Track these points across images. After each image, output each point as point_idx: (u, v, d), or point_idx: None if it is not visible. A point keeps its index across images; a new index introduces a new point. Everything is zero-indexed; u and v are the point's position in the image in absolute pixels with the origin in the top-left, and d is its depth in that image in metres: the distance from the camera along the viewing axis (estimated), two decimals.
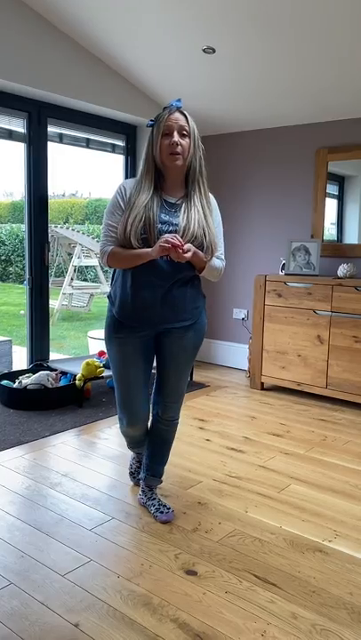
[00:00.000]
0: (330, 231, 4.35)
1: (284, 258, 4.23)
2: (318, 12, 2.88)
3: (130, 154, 4.63)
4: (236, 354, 4.86)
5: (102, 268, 8.09)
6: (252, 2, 2.90)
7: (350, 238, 4.24)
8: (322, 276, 4.03)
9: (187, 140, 1.99)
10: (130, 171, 4.66)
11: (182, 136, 1.98)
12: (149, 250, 1.92)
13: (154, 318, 2.04)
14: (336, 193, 4.34)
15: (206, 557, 1.97)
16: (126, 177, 4.67)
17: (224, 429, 3.30)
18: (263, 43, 3.26)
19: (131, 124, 4.53)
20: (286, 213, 4.49)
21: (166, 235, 1.89)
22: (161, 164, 2.00)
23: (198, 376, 4.52)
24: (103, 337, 2.15)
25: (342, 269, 3.90)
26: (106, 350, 2.16)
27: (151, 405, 2.26)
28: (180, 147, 1.96)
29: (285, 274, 4.16)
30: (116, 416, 3.45)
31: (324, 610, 1.71)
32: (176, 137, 1.95)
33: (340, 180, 4.31)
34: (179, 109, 2.00)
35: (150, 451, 2.31)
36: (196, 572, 1.88)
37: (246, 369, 4.61)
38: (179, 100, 2.04)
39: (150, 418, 2.27)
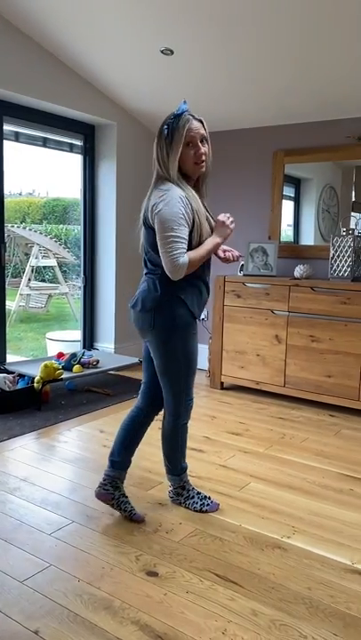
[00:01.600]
0: (287, 232, 4.43)
1: (243, 259, 4.28)
2: (276, 15, 2.93)
3: (88, 154, 4.59)
4: None
5: (61, 269, 8.00)
6: (210, 3, 2.92)
7: (306, 239, 4.32)
8: (279, 277, 4.10)
9: (206, 146, 2.10)
10: (88, 171, 4.62)
11: (203, 144, 2.08)
12: (212, 239, 2.11)
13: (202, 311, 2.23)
14: (293, 195, 4.42)
15: (167, 558, 1.98)
16: (85, 177, 4.63)
17: None
18: (221, 44, 3.30)
19: (89, 123, 4.50)
20: (244, 215, 4.54)
21: (220, 216, 2.12)
22: (185, 171, 2.08)
23: None
24: (170, 335, 2.11)
25: (299, 270, 3.98)
26: (175, 348, 2.12)
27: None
28: (204, 155, 2.08)
29: (244, 275, 4.21)
30: (75, 418, 3.42)
31: (283, 605, 1.74)
32: (202, 148, 2.07)
33: (296, 183, 4.40)
34: (194, 117, 2.07)
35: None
36: (157, 573, 1.89)
37: (206, 369, 4.64)
38: (185, 103, 2.09)
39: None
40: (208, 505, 2.32)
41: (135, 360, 4.32)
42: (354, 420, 3.58)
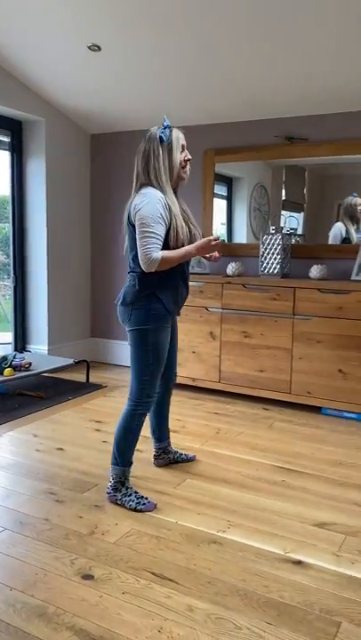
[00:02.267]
0: (220, 231, 4.48)
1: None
2: (202, 12, 2.95)
3: (16, 150, 4.46)
4: None
5: None
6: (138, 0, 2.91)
7: (239, 238, 4.40)
8: (213, 275, 4.15)
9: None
10: (16, 168, 4.50)
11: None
12: (191, 248, 2.29)
13: (182, 306, 2.49)
14: (225, 194, 4.48)
15: (103, 560, 1.96)
16: (13, 174, 4.50)
17: None
18: (149, 41, 3.29)
19: (16, 119, 4.37)
20: None
21: (211, 237, 2.31)
22: (176, 175, 2.36)
23: (95, 377, 4.47)
24: (143, 327, 2.32)
25: (231, 268, 4.04)
26: (145, 340, 2.32)
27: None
28: (190, 161, 2.41)
29: None
30: (7, 423, 3.32)
31: (218, 599, 1.77)
32: (188, 153, 2.39)
33: (228, 182, 4.46)
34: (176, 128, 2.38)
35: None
36: (92, 576, 1.86)
37: None
38: (167, 118, 2.42)
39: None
40: (145, 504, 2.34)
41: (70, 361, 4.25)
42: (286, 412, 3.68)
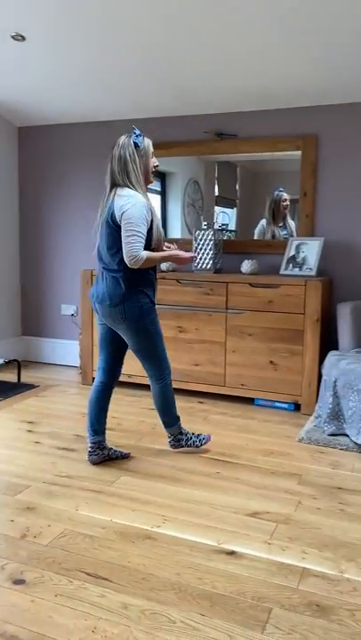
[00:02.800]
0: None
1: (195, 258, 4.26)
2: (135, 5, 2.92)
3: None
4: (66, 351, 4.79)
5: None
6: None
7: (174, 233, 4.40)
8: None
9: None
10: None
11: None
12: (170, 256, 2.66)
13: None
14: (160, 189, 4.47)
15: (35, 563, 1.92)
16: None
17: (54, 429, 3.23)
18: (75, 31, 3.22)
19: None
20: None
21: (192, 254, 2.77)
22: (146, 179, 2.65)
23: (26, 377, 4.37)
24: (141, 321, 2.60)
25: (165, 263, 4.04)
26: (147, 328, 2.62)
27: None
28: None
29: None
30: None
31: (152, 594, 1.77)
32: (156, 160, 2.70)
33: (162, 177, 4.45)
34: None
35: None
36: (24, 581, 1.82)
37: (78, 365, 4.57)
38: (135, 129, 2.64)
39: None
40: (204, 438, 2.91)
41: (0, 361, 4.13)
42: (221, 404, 3.74)
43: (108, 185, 2.59)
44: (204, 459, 2.84)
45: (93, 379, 4.19)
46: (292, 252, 3.81)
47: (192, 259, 2.75)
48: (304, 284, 3.51)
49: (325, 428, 3.16)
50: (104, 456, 2.77)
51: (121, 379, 4.05)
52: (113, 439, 3.07)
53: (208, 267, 3.91)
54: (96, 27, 3.11)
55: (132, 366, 4.02)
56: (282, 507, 2.35)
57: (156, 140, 4.26)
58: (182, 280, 3.81)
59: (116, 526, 2.17)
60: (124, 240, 2.47)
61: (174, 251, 2.72)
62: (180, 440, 2.89)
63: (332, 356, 3.34)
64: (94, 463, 2.75)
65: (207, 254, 3.91)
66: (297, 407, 3.66)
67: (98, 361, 2.84)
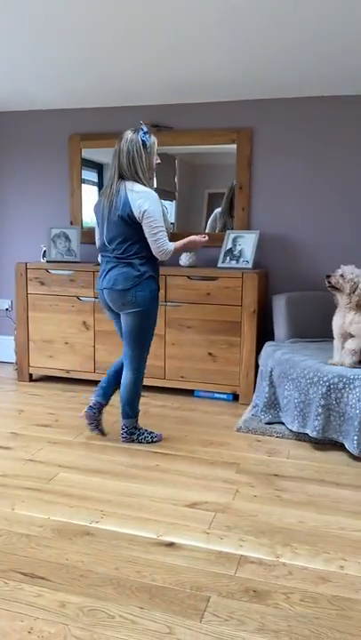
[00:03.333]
0: (92, 218, 4.40)
1: (45, 245, 4.17)
2: None
3: None
4: (0, 346, 4.65)
5: None
6: None
7: None
8: (84, 263, 4.08)
9: None
10: None
11: None
12: (186, 242, 2.86)
13: None
14: (96, 180, 4.40)
15: None
16: None
17: None
18: (5, 13, 3.11)
19: None
20: (44, 199, 4.41)
21: (202, 237, 2.92)
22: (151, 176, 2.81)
23: None
24: (148, 306, 2.75)
25: (185, 258, 3.93)
26: (150, 313, 2.77)
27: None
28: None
29: (47, 261, 4.10)
30: None
31: (91, 591, 1.75)
32: (158, 157, 2.82)
33: (99, 168, 4.39)
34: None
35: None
36: None
37: (13, 361, 4.45)
38: (143, 125, 2.79)
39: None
40: (156, 436, 2.96)
41: None
42: (161, 397, 3.74)
43: (114, 177, 2.71)
44: (144, 452, 2.83)
45: (31, 375, 4.10)
46: (230, 245, 3.85)
47: (205, 240, 2.91)
48: (241, 277, 3.56)
49: (262, 417, 3.23)
50: (97, 419, 2.93)
51: (58, 374, 4.00)
52: (50, 435, 3.02)
53: None
54: (28, 15, 3.01)
55: (70, 361, 3.96)
56: (220, 496, 2.38)
57: (90, 131, 4.21)
58: None
59: (53, 524, 2.13)
60: (150, 237, 2.67)
61: (189, 237, 2.89)
62: (133, 434, 2.93)
63: (268, 347, 3.41)
64: (88, 418, 2.92)
65: None
66: (235, 397, 3.72)
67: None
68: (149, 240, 2.68)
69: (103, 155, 4.26)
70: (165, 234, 2.70)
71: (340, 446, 2.94)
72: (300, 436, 3.04)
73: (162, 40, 3.16)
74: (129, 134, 2.71)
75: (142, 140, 2.69)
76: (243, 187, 3.95)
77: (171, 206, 4.21)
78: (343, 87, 3.61)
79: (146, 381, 3.80)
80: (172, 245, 2.74)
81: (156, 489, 2.44)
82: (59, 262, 4.05)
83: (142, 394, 3.79)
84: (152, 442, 2.94)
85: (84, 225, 4.34)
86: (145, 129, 2.73)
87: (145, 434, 2.96)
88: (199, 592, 1.75)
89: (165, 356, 3.76)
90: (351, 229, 3.82)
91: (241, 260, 3.78)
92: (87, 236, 4.26)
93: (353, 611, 1.67)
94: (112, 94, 3.93)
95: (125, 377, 2.87)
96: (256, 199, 3.96)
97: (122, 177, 2.70)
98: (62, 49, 3.41)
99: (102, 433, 2.96)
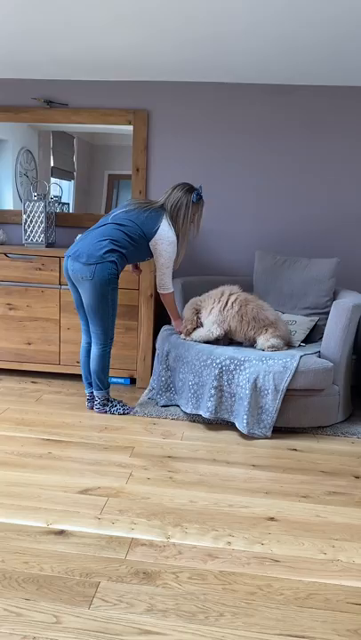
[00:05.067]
0: None
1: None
2: None
3: None
4: None
5: None
6: None
7: (6, 204, 4.14)
8: None
9: None
10: None
11: None
12: (174, 321, 3.37)
13: None
14: None
15: None
16: None
17: None
18: None
19: None
20: None
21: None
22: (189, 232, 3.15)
23: None
24: (103, 285, 2.90)
25: None
26: (106, 294, 2.92)
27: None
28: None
29: None
30: None
31: None
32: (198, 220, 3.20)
33: None
34: None
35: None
36: None
37: None
38: (201, 188, 3.15)
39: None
40: (129, 408, 3.13)
41: None
42: (55, 383, 3.65)
43: (163, 198, 3.07)
44: (35, 440, 2.75)
45: None
46: None
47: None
48: None
49: (159, 400, 3.25)
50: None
51: None
52: None
53: (40, 240, 3.76)
54: None
55: None
56: (114, 481, 2.36)
57: None
58: (11, 254, 3.61)
59: None
60: (159, 272, 3.08)
61: (177, 321, 3.33)
62: (106, 405, 3.12)
63: (164, 331, 3.43)
64: (91, 408, 3.18)
65: (38, 227, 3.75)
66: (133, 381, 3.71)
67: (80, 324, 3.21)
68: (157, 269, 3.08)
69: None
70: (170, 273, 3.08)
71: (231, 426, 3.03)
72: (195, 418, 3.10)
73: (59, 14, 3.02)
74: (192, 186, 3.10)
75: (197, 197, 3.06)
76: (139, 169, 3.91)
77: (69, 186, 4.08)
78: (240, 74, 3.66)
79: (40, 367, 3.70)
80: (172, 289, 3.16)
81: (48, 477, 2.38)
82: None
83: (35, 380, 3.69)
84: (124, 414, 3.10)
85: None
86: (200, 193, 3.09)
87: (117, 405, 3.12)
88: (89, 578, 1.73)
89: (60, 341, 3.66)
90: (251, 213, 3.91)
91: None
92: None
93: (238, 584, 1.73)
94: (3, 65, 3.71)
95: (93, 351, 3.05)
96: (152, 182, 3.94)
97: (164, 207, 3.05)
98: None
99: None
